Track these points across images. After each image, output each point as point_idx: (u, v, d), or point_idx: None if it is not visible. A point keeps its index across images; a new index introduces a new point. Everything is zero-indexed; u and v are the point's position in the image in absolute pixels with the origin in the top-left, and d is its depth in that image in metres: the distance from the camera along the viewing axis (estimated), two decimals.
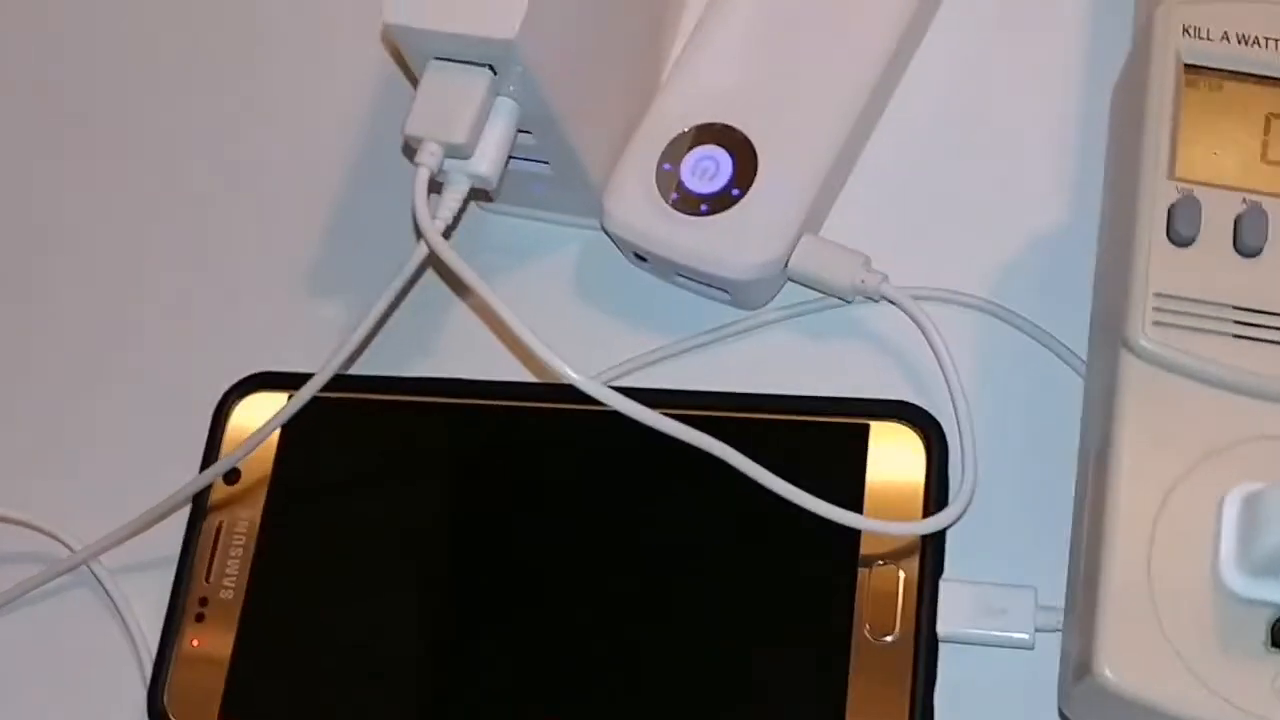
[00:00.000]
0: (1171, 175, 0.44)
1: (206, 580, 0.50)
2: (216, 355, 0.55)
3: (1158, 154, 0.44)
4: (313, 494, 0.52)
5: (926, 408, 0.48)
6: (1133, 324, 0.43)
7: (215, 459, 0.52)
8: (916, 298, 0.50)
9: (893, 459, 0.48)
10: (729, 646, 0.47)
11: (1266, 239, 0.43)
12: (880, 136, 0.53)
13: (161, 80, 0.61)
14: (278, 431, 0.51)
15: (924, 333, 0.49)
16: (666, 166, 0.51)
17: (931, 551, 0.46)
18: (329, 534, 0.51)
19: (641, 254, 0.52)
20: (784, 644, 0.46)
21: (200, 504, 0.52)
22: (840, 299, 0.51)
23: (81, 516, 0.53)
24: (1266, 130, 0.45)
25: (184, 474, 0.52)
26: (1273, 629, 0.40)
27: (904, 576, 0.46)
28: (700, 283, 0.52)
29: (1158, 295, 0.43)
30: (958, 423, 0.47)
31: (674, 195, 0.51)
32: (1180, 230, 0.44)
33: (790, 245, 0.50)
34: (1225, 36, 0.46)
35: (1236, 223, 0.44)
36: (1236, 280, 0.43)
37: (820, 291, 0.51)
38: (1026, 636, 0.45)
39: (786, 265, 0.50)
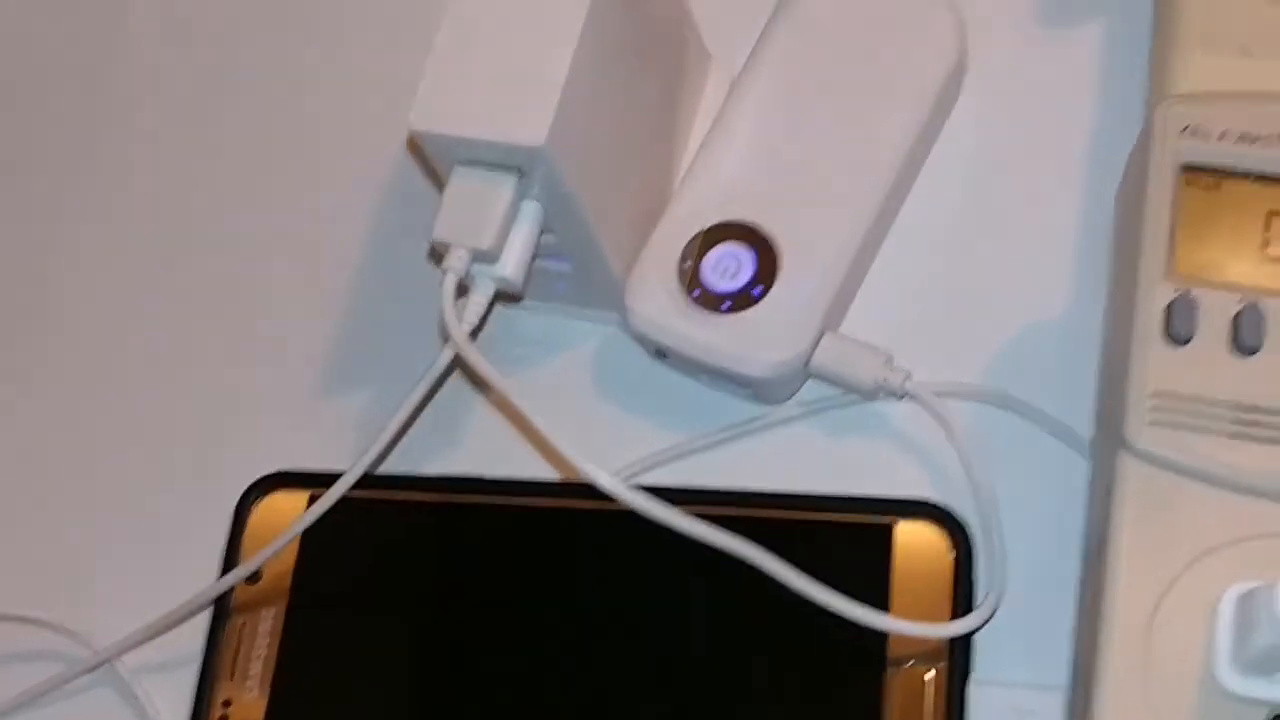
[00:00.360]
0: (1169, 275, 0.44)
1: (230, 679, 0.50)
2: (236, 452, 0.55)
3: (1155, 253, 0.45)
4: (335, 593, 0.51)
5: (951, 505, 0.49)
6: (1130, 424, 0.43)
7: (236, 558, 0.52)
8: (940, 394, 0.50)
9: (919, 559, 0.48)
10: None
11: (1263, 337, 0.44)
12: (897, 234, 0.54)
13: (186, 174, 0.61)
14: None
15: (948, 432, 0.49)
16: (687, 264, 0.51)
17: (960, 653, 0.46)
18: (352, 633, 0.51)
19: (663, 350, 0.52)
20: None
21: (223, 604, 0.51)
22: (863, 396, 0.51)
23: (102, 615, 0.53)
24: (1267, 228, 0.45)
25: (204, 570, 0.52)
26: None
27: (932, 678, 0.46)
28: (722, 379, 0.52)
29: (1155, 395, 0.43)
30: (983, 524, 0.47)
31: (695, 292, 0.51)
32: (1177, 329, 0.44)
33: (812, 343, 0.50)
34: (1223, 135, 0.46)
35: (1234, 321, 0.44)
36: (1233, 379, 0.43)
37: (843, 388, 0.51)
38: None
39: (809, 363, 0.50)
